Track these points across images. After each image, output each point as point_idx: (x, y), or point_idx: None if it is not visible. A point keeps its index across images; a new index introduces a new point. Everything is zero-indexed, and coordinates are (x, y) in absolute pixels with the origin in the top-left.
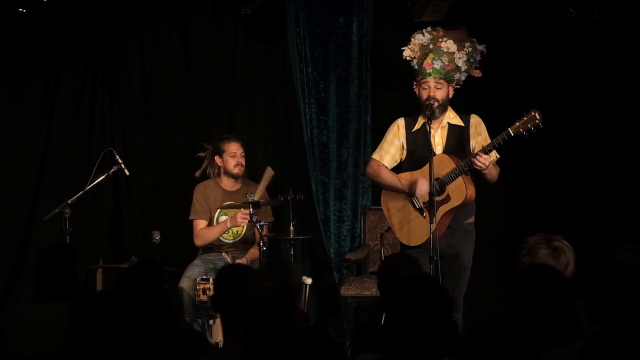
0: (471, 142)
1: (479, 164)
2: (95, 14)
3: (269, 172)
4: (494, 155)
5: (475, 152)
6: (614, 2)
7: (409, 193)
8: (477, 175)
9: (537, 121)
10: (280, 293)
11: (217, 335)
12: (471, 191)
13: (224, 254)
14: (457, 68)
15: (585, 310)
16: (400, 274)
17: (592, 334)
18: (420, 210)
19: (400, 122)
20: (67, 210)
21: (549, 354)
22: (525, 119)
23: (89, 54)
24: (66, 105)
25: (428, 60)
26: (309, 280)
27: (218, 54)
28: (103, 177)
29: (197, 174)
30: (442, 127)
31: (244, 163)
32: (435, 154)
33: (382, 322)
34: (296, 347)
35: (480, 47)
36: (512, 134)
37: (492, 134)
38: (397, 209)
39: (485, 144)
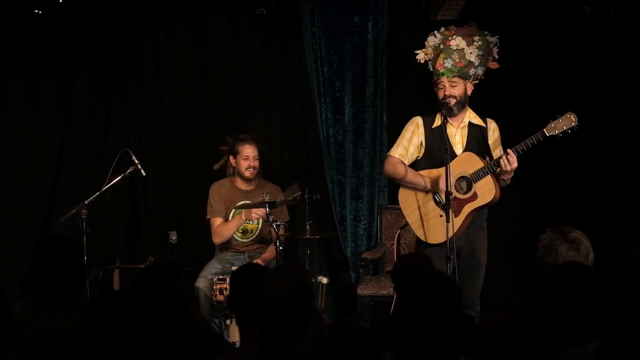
0: (492, 149)
1: (505, 163)
2: (110, 14)
3: (294, 190)
4: None
5: (502, 153)
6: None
7: (433, 190)
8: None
9: (573, 124)
10: (295, 294)
11: (235, 335)
12: (499, 190)
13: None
14: (470, 63)
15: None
16: (414, 273)
17: (609, 334)
18: (442, 208)
19: (419, 120)
20: (83, 211)
21: (566, 353)
22: (560, 120)
23: (104, 55)
24: (82, 106)
25: (440, 61)
26: (325, 280)
27: (233, 54)
28: (119, 177)
29: (216, 167)
30: (462, 127)
31: (257, 166)
32: (455, 153)
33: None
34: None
35: (492, 39)
36: (548, 135)
37: (511, 132)
38: (416, 206)
39: (500, 151)
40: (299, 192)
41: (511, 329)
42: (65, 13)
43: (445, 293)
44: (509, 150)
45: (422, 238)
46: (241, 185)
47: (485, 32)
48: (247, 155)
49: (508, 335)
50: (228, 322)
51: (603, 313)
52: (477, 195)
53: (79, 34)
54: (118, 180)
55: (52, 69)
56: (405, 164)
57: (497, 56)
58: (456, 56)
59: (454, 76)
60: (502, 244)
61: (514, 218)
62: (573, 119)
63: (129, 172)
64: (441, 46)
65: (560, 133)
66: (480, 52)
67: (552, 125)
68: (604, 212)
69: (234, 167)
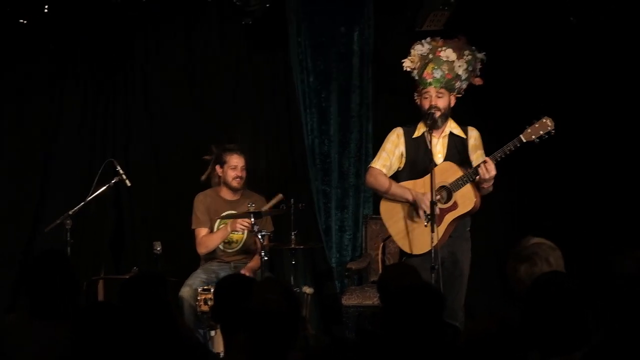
0: (470, 155)
1: (483, 171)
2: (99, 25)
3: (278, 198)
4: None
5: (480, 161)
6: (612, 9)
7: (414, 203)
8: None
9: (550, 128)
10: (284, 305)
11: (219, 345)
12: (479, 199)
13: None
14: (458, 76)
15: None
16: (399, 283)
17: (596, 343)
18: (427, 218)
19: (399, 130)
20: (68, 222)
21: None
22: (536, 125)
23: (92, 66)
24: (69, 116)
25: (428, 70)
26: (310, 290)
27: (221, 65)
28: (104, 188)
29: (203, 177)
30: (443, 136)
31: (243, 176)
32: (436, 163)
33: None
34: None
35: (480, 55)
36: (524, 141)
37: (493, 143)
38: (398, 217)
39: (481, 159)
40: (281, 198)
41: (495, 338)
42: (52, 23)
43: (430, 303)
44: (486, 159)
45: (405, 249)
46: (226, 195)
47: (474, 48)
48: (235, 165)
49: (492, 344)
50: (212, 333)
51: (590, 322)
52: (457, 205)
53: (67, 44)
54: (103, 191)
55: (40, 79)
56: (386, 175)
57: (479, 73)
58: (445, 68)
59: (441, 87)
60: (487, 253)
61: (498, 227)
62: (549, 124)
63: (113, 183)
64: (430, 56)
65: (537, 138)
66: (469, 67)
67: (529, 130)
68: (591, 220)
69: (219, 177)
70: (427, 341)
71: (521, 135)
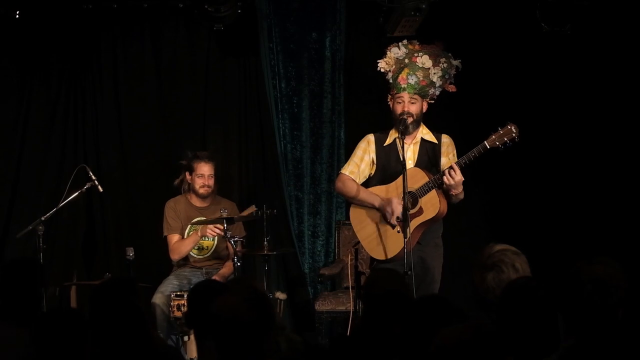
0: (442, 160)
1: (448, 177)
2: (68, 30)
3: (250, 209)
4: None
5: (446, 168)
6: (584, 17)
7: (380, 209)
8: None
9: (514, 134)
10: (245, 310)
11: (192, 351)
12: (444, 205)
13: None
14: (432, 83)
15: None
16: (384, 288)
17: (566, 348)
18: (392, 224)
19: (370, 137)
20: (40, 227)
21: None
22: (501, 132)
23: (61, 71)
24: (39, 122)
25: (403, 75)
26: (283, 296)
27: (191, 70)
28: (76, 193)
29: (176, 182)
30: (415, 143)
31: (211, 184)
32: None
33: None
34: None
35: (456, 62)
36: (488, 147)
37: (464, 150)
38: (367, 223)
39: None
40: (253, 209)
41: (469, 344)
42: (22, 29)
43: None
44: (452, 164)
45: (373, 255)
46: (196, 202)
47: (450, 55)
48: (202, 174)
49: (466, 351)
50: (185, 338)
51: (560, 328)
52: (422, 210)
53: (36, 50)
54: (75, 196)
55: (9, 85)
56: (355, 181)
57: (453, 80)
58: (421, 74)
59: (415, 93)
60: (460, 261)
61: (472, 232)
62: (514, 130)
63: (85, 188)
64: (406, 60)
65: (501, 145)
66: (444, 75)
67: (493, 137)
68: (561, 227)
69: (189, 184)
70: (403, 346)
71: (485, 142)
